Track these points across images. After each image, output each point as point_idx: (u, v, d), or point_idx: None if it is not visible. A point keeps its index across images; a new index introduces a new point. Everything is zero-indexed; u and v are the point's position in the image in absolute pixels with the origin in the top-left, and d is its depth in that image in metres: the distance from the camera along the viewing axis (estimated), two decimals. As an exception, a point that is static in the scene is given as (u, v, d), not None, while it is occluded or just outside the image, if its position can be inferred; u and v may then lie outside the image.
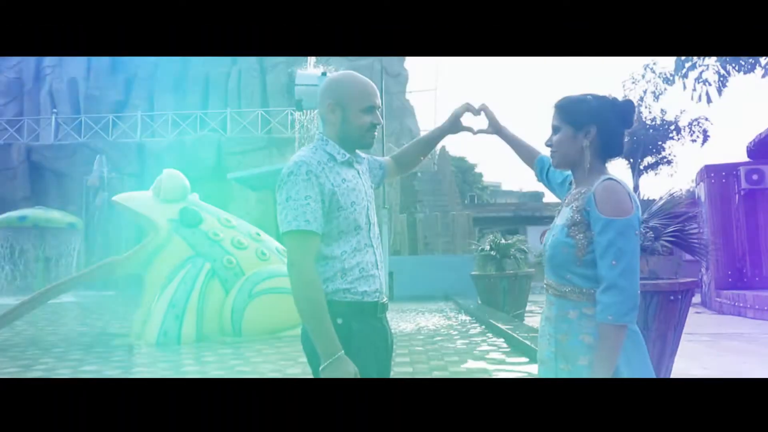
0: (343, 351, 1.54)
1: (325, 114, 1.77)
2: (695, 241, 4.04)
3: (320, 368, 1.53)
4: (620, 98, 1.68)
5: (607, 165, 1.65)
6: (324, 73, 8.94)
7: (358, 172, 1.78)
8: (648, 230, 4.00)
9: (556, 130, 1.66)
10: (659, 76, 21.38)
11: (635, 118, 1.64)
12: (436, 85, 79.99)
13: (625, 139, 1.66)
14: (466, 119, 2.05)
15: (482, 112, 2.03)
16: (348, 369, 1.52)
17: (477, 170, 32.95)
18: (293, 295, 1.59)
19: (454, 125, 2.04)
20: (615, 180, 1.54)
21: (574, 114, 1.62)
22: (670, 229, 4.01)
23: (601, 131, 1.60)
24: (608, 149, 1.62)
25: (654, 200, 4.31)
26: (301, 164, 1.64)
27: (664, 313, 3.76)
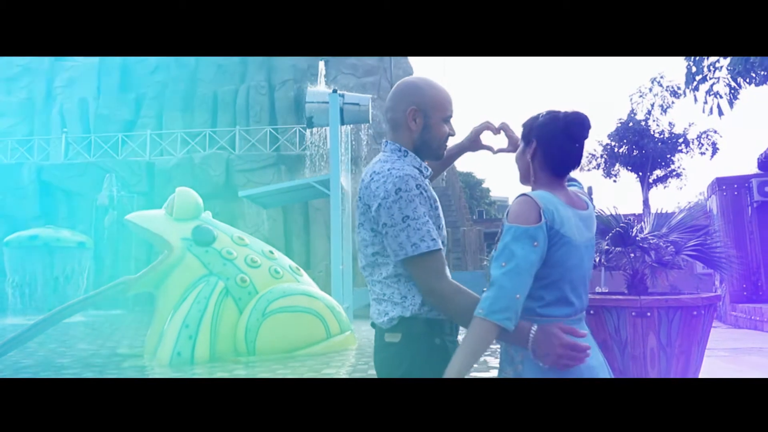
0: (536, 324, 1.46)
1: (403, 120, 1.64)
2: (718, 254, 3.99)
3: (529, 344, 1.44)
4: (569, 111, 1.66)
5: (558, 179, 1.66)
6: (335, 90, 9.00)
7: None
8: (668, 245, 3.96)
9: None
10: (666, 90, 21.44)
11: (582, 130, 1.62)
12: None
13: (577, 152, 1.65)
14: (486, 138, 2.02)
15: (502, 131, 2.01)
16: (554, 331, 1.44)
17: (484, 185, 33.00)
18: (456, 318, 1.49)
19: (473, 143, 2.00)
20: (529, 195, 1.56)
21: (524, 130, 1.71)
22: (692, 243, 3.96)
23: (540, 145, 1.64)
24: (551, 162, 1.64)
25: (666, 213, 4.26)
26: (407, 178, 1.51)
27: (688, 328, 3.69)
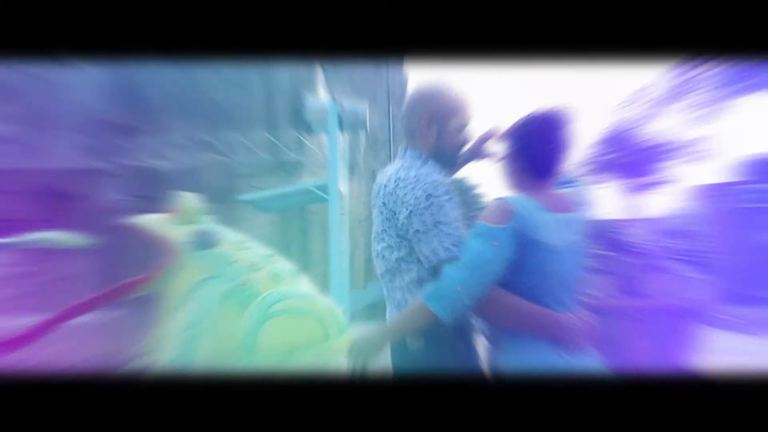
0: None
1: (419, 128, 1.62)
2: (708, 258, 4.12)
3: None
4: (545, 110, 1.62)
5: (539, 181, 1.59)
6: (334, 98, 9.09)
7: None
8: (659, 249, 4.11)
9: None
10: (654, 98, 21.67)
11: (554, 130, 1.56)
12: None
13: (553, 152, 1.58)
14: (490, 145, 2.01)
15: None
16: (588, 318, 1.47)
17: (477, 191, 33.02)
18: (490, 320, 1.50)
19: (478, 152, 1.91)
20: (503, 199, 1.53)
21: (506, 134, 1.69)
22: (682, 247, 4.12)
23: (518, 148, 1.61)
24: (529, 165, 1.59)
25: (656, 219, 4.42)
26: (436, 184, 1.50)
27: (680, 332, 3.84)
